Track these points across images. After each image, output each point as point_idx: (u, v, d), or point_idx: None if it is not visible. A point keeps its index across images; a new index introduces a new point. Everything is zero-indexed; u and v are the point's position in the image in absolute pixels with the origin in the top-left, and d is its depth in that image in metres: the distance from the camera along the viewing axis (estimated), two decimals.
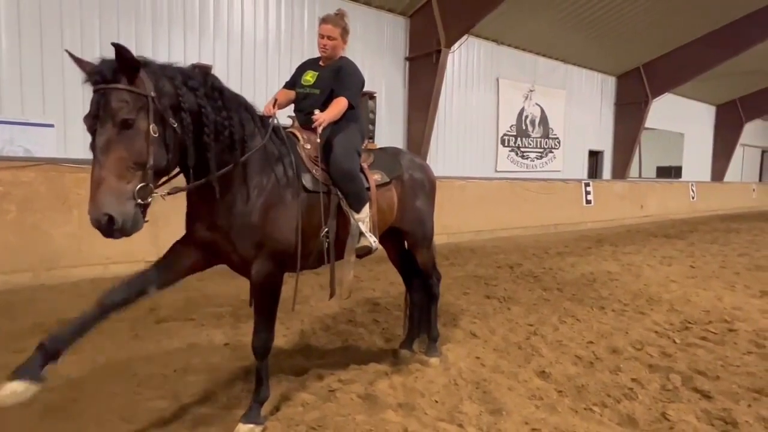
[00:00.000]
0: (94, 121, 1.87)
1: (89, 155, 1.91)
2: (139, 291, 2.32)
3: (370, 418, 2.61)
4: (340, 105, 2.81)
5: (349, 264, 2.87)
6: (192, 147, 2.13)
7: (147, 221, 1.95)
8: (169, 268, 2.43)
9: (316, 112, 2.78)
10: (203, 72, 2.28)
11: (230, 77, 8.30)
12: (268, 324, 2.54)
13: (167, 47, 7.65)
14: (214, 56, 8.19)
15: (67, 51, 1.92)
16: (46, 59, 6.47)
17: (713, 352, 3.75)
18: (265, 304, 2.53)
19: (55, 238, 5.31)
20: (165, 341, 3.70)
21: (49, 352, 2.08)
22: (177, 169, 2.24)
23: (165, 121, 1.99)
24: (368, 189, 2.91)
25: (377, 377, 3.13)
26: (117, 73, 1.88)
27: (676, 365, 3.45)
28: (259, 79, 8.60)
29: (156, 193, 1.98)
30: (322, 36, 2.95)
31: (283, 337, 3.84)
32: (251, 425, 2.45)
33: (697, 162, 20.94)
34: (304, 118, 2.88)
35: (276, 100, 2.93)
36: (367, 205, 2.84)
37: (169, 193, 2.13)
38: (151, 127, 1.92)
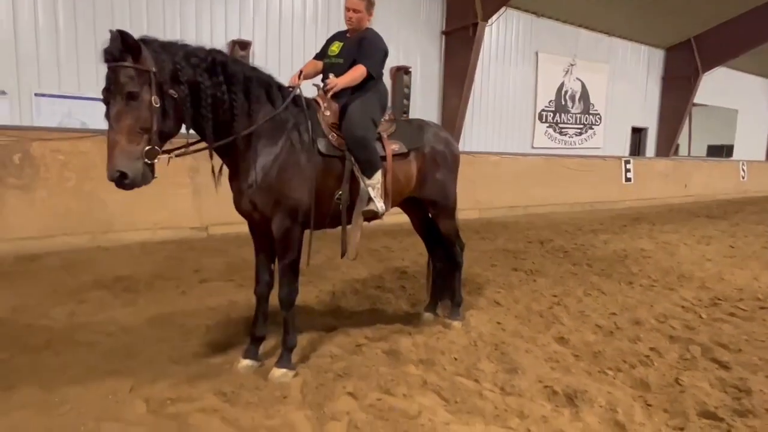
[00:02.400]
0: (107, 94, 2.19)
1: None
2: (269, 272, 2.94)
3: (393, 370, 2.83)
4: (357, 71, 2.95)
5: (357, 226, 3.02)
6: (192, 115, 2.40)
7: (156, 177, 2.28)
8: (261, 247, 2.93)
9: (331, 76, 2.93)
10: (208, 49, 2.51)
11: (268, 52, 8.52)
12: (291, 277, 2.77)
13: (209, 25, 7.92)
14: (253, 32, 8.40)
15: (118, 32, 2.18)
16: (99, 38, 6.85)
17: (739, 327, 3.75)
18: (287, 258, 2.75)
19: (109, 205, 5.74)
20: (208, 298, 4.02)
21: (257, 338, 2.92)
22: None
23: (165, 92, 2.27)
24: (383, 158, 3.04)
25: (401, 336, 3.34)
26: (123, 53, 2.16)
27: (698, 337, 3.49)
28: (296, 53, 8.77)
29: (162, 155, 2.30)
30: (348, 9, 3.08)
31: (315, 298, 4.10)
32: (284, 370, 2.72)
33: (751, 140, 19.81)
34: None
35: (301, 72, 3.07)
36: (379, 172, 2.97)
37: (177, 155, 2.47)
38: (153, 98, 2.21)
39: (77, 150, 5.57)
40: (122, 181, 2.15)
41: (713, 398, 2.62)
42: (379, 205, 2.95)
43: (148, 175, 2.23)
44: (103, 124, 6.75)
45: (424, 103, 10.66)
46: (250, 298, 4.02)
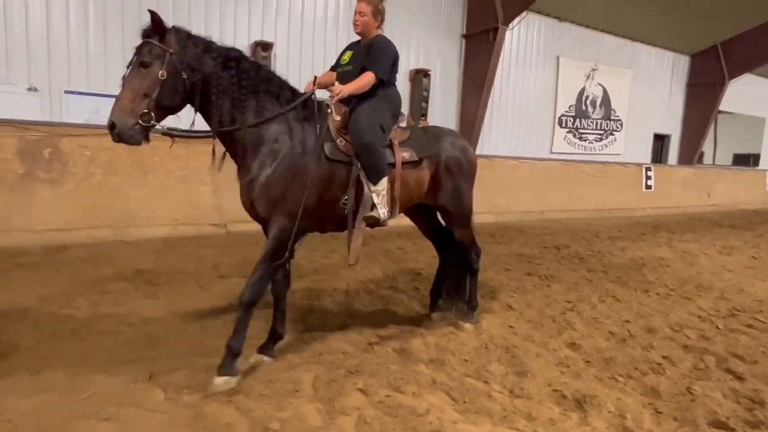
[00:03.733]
0: (130, 61, 2.52)
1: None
2: (285, 272, 3.02)
3: (403, 368, 2.87)
4: (365, 79, 2.98)
5: (359, 231, 3.01)
6: (200, 100, 2.60)
7: (149, 143, 2.52)
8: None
9: (336, 83, 2.96)
10: (227, 47, 2.72)
11: (290, 54, 8.65)
12: (262, 276, 2.70)
13: (233, 26, 8.08)
14: (275, 34, 8.54)
15: (150, 11, 2.48)
16: (126, 37, 7.06)
17: (757, 339, 3.70)
18: (268, 256, 2.70)
19: (132, 200, 5.92)
20: (226, 293, 4.11)
21: (274, 335, 3.00)
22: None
23: (177, 71, 2.50)
24: (392, 165, 3.04)
25: (413, 336, 3.37)
26: (152, 32, 2.49)
27: (713, 348, 3.45)
28: (317, 56, 8.89)
29: (155, 123, 2.48)
30: (355, 12, 3.13)
31: (329, 296, 4.17)
32: (225, 378, 2.57)
33: None
34: None
35: (315, 78, 3.12)
36: (385, 179, 2.96)
37: (172, 135, 2.69)
38: (161, 72, 2.45)
39: (103, 146, 5.75)
40: (111, 130, 2.41)
41: (725, 408, 2.60)
42: (381, 211, 2.93)
43: (136, 134, 2.43)
44: None
45: (443, 106, 10.68)
46: (267, 294, 4.12)
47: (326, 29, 9.08)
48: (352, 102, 3.01)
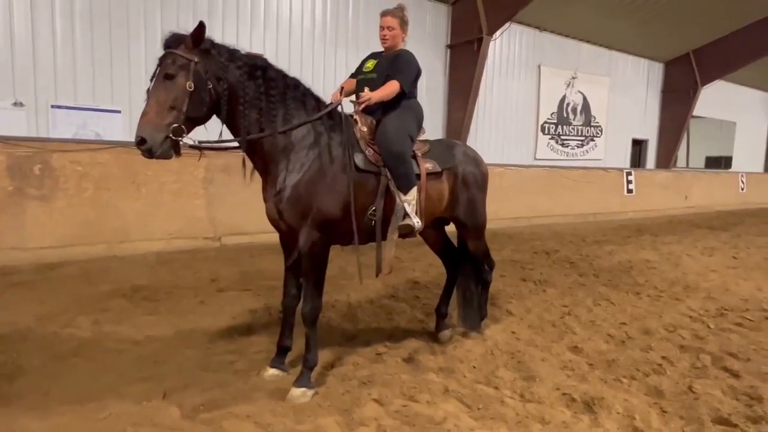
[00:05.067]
0: (153, 73, 2.45)
1: None
2: (297, 286, 2.96)
3: (414, 377, 2.92)
4: (391, 87, 2.99)
5: (391, 242, 3.01)
6: (226, 110, 2.55)
7: (180, 156, 2.43)
8: (291, 258, 2.94)
9: (366, 89, 2.98)
10: (253, 56, 2.69)
11: (278, 65, 8.67)
12: (314, 292, 2.76)
13: (221, 36, 8.05)
14: (264, 46, 8.55)
15: (200, 22, 2.43)
16: (114, 52, 6.99)
17: (747, 337, 3.85)
18: (312, 273, 2.74)
19: (125, 214, 5.84)
20: (227, 307, 4.10)
21: (283, 348, 3.00)
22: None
23: (203, 82, 2.44)
24: (418, 175, 3.07)
25: (419, 345, 3.43)
26: (177, 42, 2.43)
27: (708, 347, 3.58)
28: (305, 67, 8.93)
29: (186, 136, 2.41)
30: (382, 27, 3.17)
31: (332, 308, 4.19)
32: (303, 389, 2.67)
33: (749, 152, 20.02)
34: None
35: (342, 88, 3.17)
36: (415, 189, 2.98)
37: (201, 148, 2.64)
38: (188, 83, 2.39)
39: (95, 161, 5.68)
40: (141, 146, 2.32)
41: (726, 405, 2.71)
42: (415, 220, 2.94)
43: (167, 149, 2.36)
44: (116, 136, 7.01)
45: (429, 115, 10.66)
46: (269, 307, 4.13)
47: (314, 41, 9.13)
48: (376, 113, 3.03)
